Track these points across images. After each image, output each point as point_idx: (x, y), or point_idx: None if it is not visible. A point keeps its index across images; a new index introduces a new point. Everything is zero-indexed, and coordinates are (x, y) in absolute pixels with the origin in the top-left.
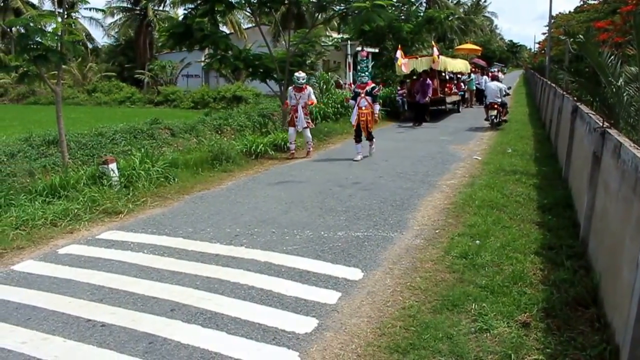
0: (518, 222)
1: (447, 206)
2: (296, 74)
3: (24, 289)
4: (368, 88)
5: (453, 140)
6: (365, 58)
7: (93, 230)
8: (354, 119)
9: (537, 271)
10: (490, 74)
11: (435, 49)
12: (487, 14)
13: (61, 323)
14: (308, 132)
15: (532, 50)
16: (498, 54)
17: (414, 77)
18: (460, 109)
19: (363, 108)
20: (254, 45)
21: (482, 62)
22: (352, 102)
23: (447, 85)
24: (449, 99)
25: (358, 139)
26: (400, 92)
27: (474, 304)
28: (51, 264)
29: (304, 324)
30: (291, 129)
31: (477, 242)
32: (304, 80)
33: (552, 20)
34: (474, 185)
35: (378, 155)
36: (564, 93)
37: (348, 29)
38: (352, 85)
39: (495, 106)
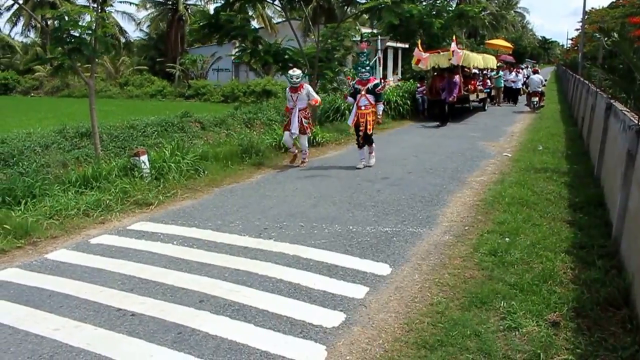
0: (548, 220)
1: (477, 203)
2: (290, 71)
3: (57, 277)
4: (370, 85)
5: (483, 137)
6: (364, 51)
7: (124, 221)
8: (351, 120)
9: (567, 270)
10: (532, 69)
11: (453, 44)
12: (518, 10)
13: (92, 311)
14: (304, 140)
15: (565, 47)
16: (529, 50)
17: (435, 74)
18: (486, 107)
19: (363, 108)
20: (284, 39)
21: (509, 58)
22: (350, 99)
23: (471, 82)
24: (473, 97)
25: (361, 144)
26: (420, 89)
27: (502, 302)
28: (83, 254)
29: (331, 318)
30: (286, 134)
31: (507, 239)
32: (299, 80)
33: (586, 16)
34: (504, 182)
35: (408, 150)
36: (597, 90)
37: (378, 23)
38: (352, 80)
39: (537, 94)
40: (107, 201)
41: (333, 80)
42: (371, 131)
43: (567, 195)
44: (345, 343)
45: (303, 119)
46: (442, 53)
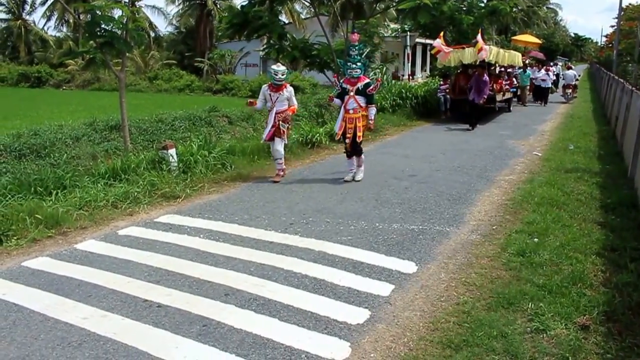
0: (579, 221)
1: (505, 202)
2: (273, 66)
3: (85, 267)
4: (360, 85)
5: (512, 135)
6: (356, 44)
7: (152, 214)
8: (338, 126)
9: (598, 273)
10: (566, 65)
11: (478, 37)
12: (551, 6)
13: (119, 302)
14: (279, 146)
15: (599, 44)
16: (562, 48)
17: (459, 71)
18: (511, 108)
19: (351, 111)
20: (312, 35)
21: (540, 55)
22: (336, 101)
23: (498, 81)
24: (499, 97)
25: (349, 153)
26: (442, 87)
27: (530, 303)
28: (111, 244)
29: (356, 315)
30: (271, 144)
31: (535, 239)
32: (284, 77)
33: (622, 12)
34: (533, 182)
35: (435, 148)
36: (633, 89)
37: (407, 19)
38: (337, 80)
39: (571, 86)
40: (135, 193)
41: None
42: (361, 139)
43: (599, 196)
44: (369, 340)
45: (281, 122)
46: (466, 48)
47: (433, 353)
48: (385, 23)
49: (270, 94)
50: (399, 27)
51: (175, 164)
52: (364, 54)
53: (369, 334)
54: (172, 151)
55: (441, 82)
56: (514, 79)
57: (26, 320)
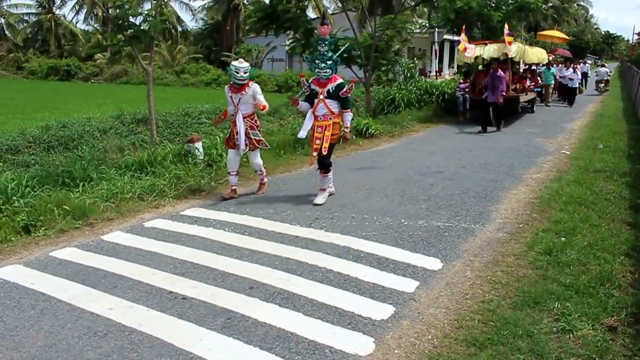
0: (607, 220)
1: (532, 200)
2: (234, 62)
3: (112, 258)
4: (331, 86)
5: (540, 133)
6: (327, 37)
7: (177, 207)
8: (303, 133)
9: (626, 273)
10: (600, 63)
11: (506, 29)
12: (581, 3)
13: (145, 293)
14: (256, 157)
15: (630, 42)
16: (592, 46)
17: (479, 68)
18: (534, 109)
19: (320, 118)
20: (339, 30)
21: (567, 53)
22: (304, 106)
23: (522, 80)
24: (523, 98)
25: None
26: (462, 85)
27: (556, 303)
28: (137, 236)
29: (380, 311)
30: (231, 152)
31: (563, 239)
32: (247, 75)
33: None
34: (561, 180)
35: (462, 145)
36: None
37: (436, 17)
38: (305, 80)
39: (604, 81)
40: (161, 186)
41: (389, 71)
42: (327, 151)
43: (628, 196)
44: (393, 337)
45: (249, 129)
46: (490, 44)
47: (457, 351)
48: (414, 19)
49: (232, 96)
50: (427, 23)
51: (202, 157)
52: (339, 52)
53: (393, 330)
54: (199, 144)
55: (460, 81)
56: (538, 78)
57: (53, 309)
